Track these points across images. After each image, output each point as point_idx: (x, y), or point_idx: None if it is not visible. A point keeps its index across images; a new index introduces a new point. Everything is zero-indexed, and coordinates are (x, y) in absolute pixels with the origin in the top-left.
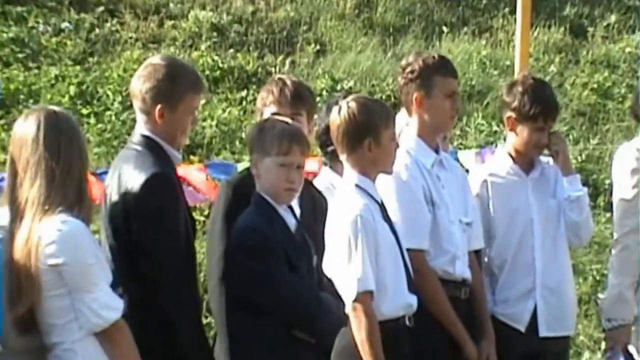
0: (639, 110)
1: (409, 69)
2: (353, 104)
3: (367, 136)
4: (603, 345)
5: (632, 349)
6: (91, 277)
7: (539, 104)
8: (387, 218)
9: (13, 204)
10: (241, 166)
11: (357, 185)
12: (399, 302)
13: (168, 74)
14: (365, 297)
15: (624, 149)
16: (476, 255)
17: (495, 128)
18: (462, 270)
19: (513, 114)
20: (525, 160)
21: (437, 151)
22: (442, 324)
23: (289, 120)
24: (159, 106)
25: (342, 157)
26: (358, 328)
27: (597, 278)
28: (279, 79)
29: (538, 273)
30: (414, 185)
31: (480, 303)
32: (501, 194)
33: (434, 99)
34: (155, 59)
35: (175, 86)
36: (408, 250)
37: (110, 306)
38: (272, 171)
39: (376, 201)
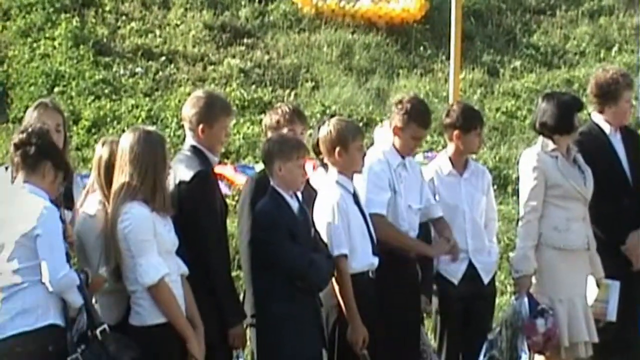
0: (537, 126)
1: (407, 107)
2: (331, 124)
3: (337, 146)
4: (509, 288)
5: (532, 291)
6: (141, 248)
7: (473, 116)
8: (357, 203)
9: (109, 193)
10: (258, 167)
11: (336, 181)
12: (365, 261)
13: (206, 102)
14: (341, 258)
15: (527, 153)
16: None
17: (435, 138)
18: None
19: (455, 130)
20: (460, 163)
21: (403, 157)
22: (406, 248)
23: (294, 136)
24: (200, 125)
25: (326, 160)
26: (336, 278)
27: (507, 242)
28: (283, 106)
29: (469, 246)
30: (381, 174)
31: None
32: (442, 190)
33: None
34: (198, 92)
35: (212, 111)
36: (373, 214)
37: (147, 273)
38: (294, 171)
39: (349, 192)
